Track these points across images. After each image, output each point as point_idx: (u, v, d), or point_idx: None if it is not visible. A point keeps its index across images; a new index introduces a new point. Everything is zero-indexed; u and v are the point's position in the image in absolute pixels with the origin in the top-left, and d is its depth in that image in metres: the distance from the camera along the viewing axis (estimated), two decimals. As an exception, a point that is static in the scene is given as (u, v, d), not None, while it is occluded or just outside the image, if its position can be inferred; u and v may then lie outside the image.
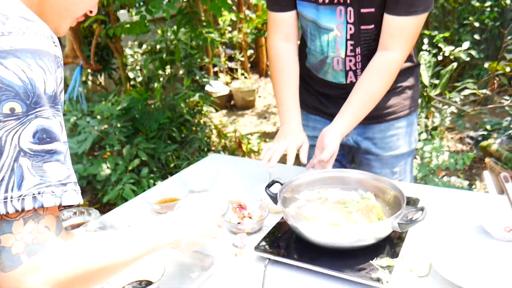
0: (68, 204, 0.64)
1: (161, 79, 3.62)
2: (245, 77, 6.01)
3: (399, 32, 1.32)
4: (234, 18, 5.47)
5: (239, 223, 1.26)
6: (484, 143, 3.03)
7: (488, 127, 3.33)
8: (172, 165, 3.24)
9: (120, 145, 3.08)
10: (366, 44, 1.41)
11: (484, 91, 2.44)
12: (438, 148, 2.33)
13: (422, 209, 1.07)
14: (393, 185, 1.19)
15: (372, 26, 1.37)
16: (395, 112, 1.54)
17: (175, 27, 3.27)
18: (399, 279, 1.00)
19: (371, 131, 1.56)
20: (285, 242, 1.16)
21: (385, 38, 1.35)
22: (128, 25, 2.65)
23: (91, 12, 0.81)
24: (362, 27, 1.37)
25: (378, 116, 1.52)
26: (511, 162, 2.73)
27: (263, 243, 1.15)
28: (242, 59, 6.03)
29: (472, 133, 3.84)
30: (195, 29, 2.81)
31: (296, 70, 1.52)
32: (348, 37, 1.40)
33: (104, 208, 3.19)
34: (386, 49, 1.35)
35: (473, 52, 3.02)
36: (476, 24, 4.71)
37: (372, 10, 1.33)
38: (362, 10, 1.34)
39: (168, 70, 3.79)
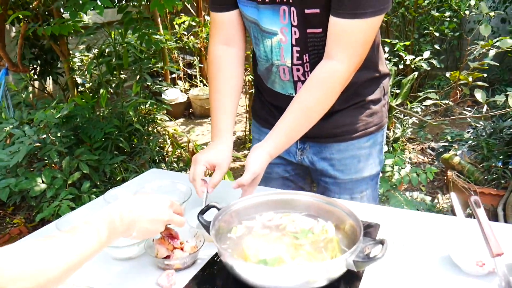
0: None
1: (110, 85, 3.35)
2: (204, 84, 5.80)
3: (344, 37, 1.11)
4: (193, 23, 5.27)
5: (167, 256, 1.05)
6: (446, 155, 2.94)
7: (449, 137, 3.26)
8: (118, 178, 2.97)
9: (60, 156, 2.80)
10: (315, 51, 1.21)
11: (446, 101, 2.34)
12: (399, 162, 2.20)
13: (382, 243, 0.89)
14: (349, 211, 1.01)
15: (320, 29, 1.17)
16: (356, 130, 1.34)
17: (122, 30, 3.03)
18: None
19: (328, 150, 1.37)
20: (221, 282, 0.96)
21: (330, 45, 1.15)
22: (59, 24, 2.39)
23: None
24: (309, 30, 1.18)
25: (336, 134, 1.34)
26: (473, 176, 2.64)
27: (193, 284, 0.94)
28: (201, 65, 5.82)
29: (433, 144, 3.78)
30: (142, 34, 2.60)
31: (234, 76, 1.33)
32: (294, 42, 1.21)
33: (38, 227, 2.88)
34: (329, 57, 1.15)
35: (434, 62, 2.94)
36: (436, 34, 4.70)
37: (317, 11, 1.13)
38: (306, 11, 1.14)
39: (119, 75, 3.54)
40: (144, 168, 3.22)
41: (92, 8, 2.12)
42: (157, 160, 3.48)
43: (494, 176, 2.55)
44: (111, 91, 3.55)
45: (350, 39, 1.11)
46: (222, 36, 1.32)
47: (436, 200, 2.71)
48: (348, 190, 1.39)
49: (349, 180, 1.38)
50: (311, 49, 1.21)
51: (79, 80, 3.90)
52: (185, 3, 4.83)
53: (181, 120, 5.38)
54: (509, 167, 2.57)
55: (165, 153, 3.80)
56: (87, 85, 3.96)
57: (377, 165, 1.43)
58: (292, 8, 1.15)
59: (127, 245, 1.07)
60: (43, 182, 2.55)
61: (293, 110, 1.17)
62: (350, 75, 1.17)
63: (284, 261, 0.92)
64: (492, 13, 3.75)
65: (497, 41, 2.23)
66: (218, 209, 1.05)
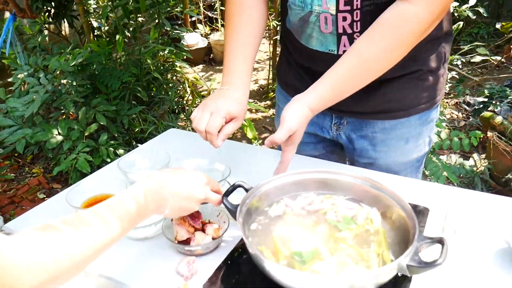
0: None
1: (127, 29, 3.16)
2: (226, 29, 5.52)
3: None
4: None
5: (187, 239, 0.94)
6: (486, 113, 2.71)
7: (487, 92, 3.00)
8: (136, 129, 2.87)
9: (77, 106, 2.69)
10: None
11: (497, 57, 2.09)
12: (439, 124, 2.01)
13: (441, 242, 0.75)
14: (399, 198, 0.86)
15: None
16: (407, 106, 1.14)
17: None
18: None
19: (371, 128, 1.18)
20: (250, 277, 0.84)
21: None
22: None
23: None
24: None
25: (382, 110, 1.14)
26: (517, 138, 2.44)
27: (217, 276, 0.83)
28: (223, 8, 5.51)
29: (469, 99, 3.53)
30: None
31: (256, 18, 1.13)
32: None
33: (59, 180, 2.84)
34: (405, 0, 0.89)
35: (480, 10, 2.63)
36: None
37: None
38: None
39: (137, 19, 3.33)
40: (163, 119, 3.11)
41: None
42: (177, 111, 3.35)
43: (540, 139, 2.34)
44: (128, 35, 3.37)
45: None
46: None
47: (472, 162, 2.53)
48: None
49: (392, 163, 1.21)
50: None
51: (95, 24, 3.71)
52: None
53: (201, 66, 5.18)
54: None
55: (184, 102, 3.66)
56: (104, 29, 3.77)
57: (427, 145, 1.24)
58: None
59: (143, 226, 0.95)
60: (59, 133, 2.46)
61: (346, 59, 0.95)
62: (430, 27, 0.92)
63: (321, 255, 0.79)
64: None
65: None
66: (246, 190, 0.92)
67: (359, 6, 0.98)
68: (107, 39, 3.34)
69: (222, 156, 1.20)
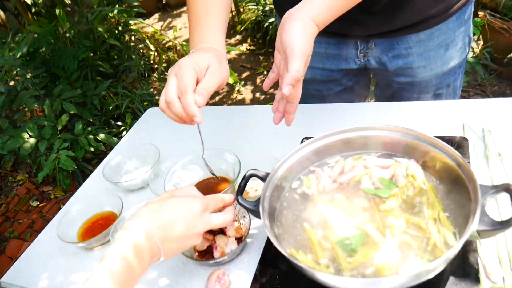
0: None
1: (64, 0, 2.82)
2: (171, -33, 5.05)
3: None
4: None
5: (207, 248, 0.81)
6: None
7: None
8: (111, 107, 2.65)
9: (39, 100, 2.45)
10: None
11: None
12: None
13: (508, 191, 0.62)
14: (438, 144, 0.72)
15: None
16: (441, 11, 0.97)
17: None
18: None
19: (404, 44, 1.02)
20: (290, 275, 0.73)
21: None
22: None
23: None
24: None
25: (414, 23, 0.98)
26: (511, 12, 2.25)
27: (261, 281, 0.71)
28: None
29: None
30: None
31: None
32: None
33: (47, 182, 2.66)
34: None
35: None
36: None
37: None
38: None
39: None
40: (134, 87, 2.88)
41: None
42: (146, 74, 3.11)
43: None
44: (69, 5, 3.02)
45: None
46: None
47: (471, 54, 2.38)
48: (431, 87, 1.08)
49: (434, 75, 1.06)
50: None
51: (28, 1, 3.32)
52: None
53: (156, 15, 4.80)
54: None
55: (152, 62, 3.40)
56: (39, 2, 3.38)
57: (467, 47, 1.08)
58: None
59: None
60: (30, 136, 2.26)
61: None
62: None
63: (373, 238, 0.67)
64: None
65: None
66: (262, 179, 0.77)
67: None
68: (48, 15, 3.00)
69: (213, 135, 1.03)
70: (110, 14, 3.02)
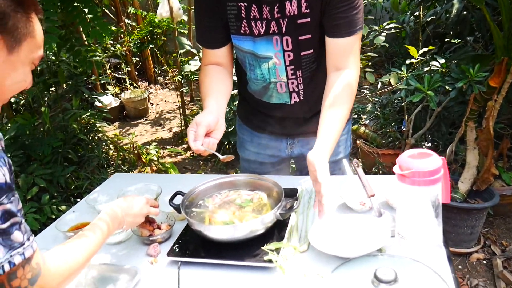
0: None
1: (47, 101, 3.54)
2: (134, 86, 6.01)
3: (348, 50, 1.40)
4: (114, 28, 5.44)
5: (150, 235, 1.44)
6: (353, 126, 3.51)
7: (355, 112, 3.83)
8: (73, 187, 3.23)
9: (15, 176, 2.99)
10: (307, 67, 1.50)
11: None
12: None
13: (296, 199, 1.35)
14: (274, 183, 1.46)
15: (311, 50, 1.46)
16: None
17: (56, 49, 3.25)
18: (285, 258, 1.26)
19: (314, 141, 1.45)
20: (193, 245, 1.37)
21: (337, 59, 1.42)
22: None
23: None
24: (302, 53, 1.46)
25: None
26: (375, 141, 3.23)
27: (174, 248, 1.35)
28: (129, 68, 6.01)
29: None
30: (77, 53, 2.85)
31: (225, 80, 1.53)
32: (287, 63, 1.48)
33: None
34: (339, 69, 1.41)
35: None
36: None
37: (309, 36, 1.42)
38: (300, 38, 1.42)
39: (57, 91, 3.72)
40: (94, 174, 3.49)
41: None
42: (105, 165, 3.75)
43: (390, 140, 3.15)
44: (48, 108, 3.74)
45: (352, 50, 1.41)
46: (213, 63, 1.56)
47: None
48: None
49: (330, 162, 1.42)
50: (304, 67, 1.50)
51: (12, 99, 4.01)
52: (103, 8, 5.00)
53: (117, 123, 5.59)
54: (402, 130, 3.19)
55: (109, 157, 4.07)
56: (21, 102, 4.07)
57: (349, 146, 1.81)
58: (286, 37, 1.42)
59: (117, 232, 1.44)
60: (4, 200, 2.76)
61: (332, 122, 1.37)
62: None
63: (234, 222, 1.35)
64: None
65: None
66: (182, 195, 1.46)
67: (301, 75, 1.53)
68: (30, 111, 3.68)
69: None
70: (82, 116, 3.76)
